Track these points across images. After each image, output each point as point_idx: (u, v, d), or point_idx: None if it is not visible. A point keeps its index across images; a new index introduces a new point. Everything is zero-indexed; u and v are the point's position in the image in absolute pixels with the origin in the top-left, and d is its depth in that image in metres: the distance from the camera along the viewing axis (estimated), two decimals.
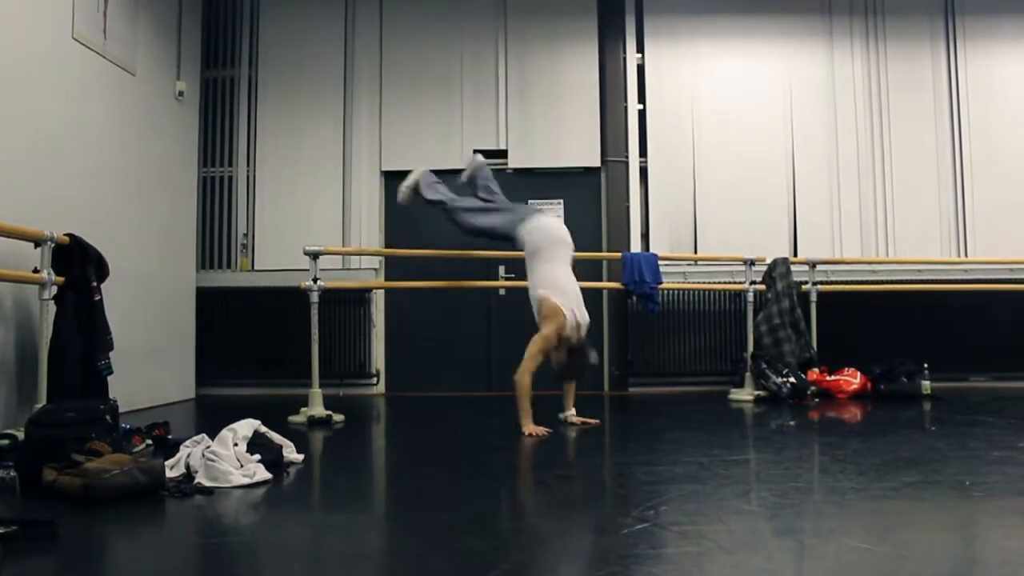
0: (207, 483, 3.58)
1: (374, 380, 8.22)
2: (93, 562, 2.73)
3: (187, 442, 3.97)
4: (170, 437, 4.43)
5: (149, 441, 4.18)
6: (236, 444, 3.84)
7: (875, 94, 8.59)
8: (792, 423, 5.86)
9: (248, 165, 8.40)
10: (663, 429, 5.70)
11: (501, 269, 8.20)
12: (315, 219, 8.26)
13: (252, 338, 7.98)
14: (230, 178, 8.40)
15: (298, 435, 4.99)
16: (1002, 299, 8.05)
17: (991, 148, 8.43)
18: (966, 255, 8.41)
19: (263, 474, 3.75)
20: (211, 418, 4.94)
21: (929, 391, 7.12)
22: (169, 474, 3.63)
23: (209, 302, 8.02)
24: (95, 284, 5.38)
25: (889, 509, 3.17)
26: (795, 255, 8.15)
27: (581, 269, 8.03)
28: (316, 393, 6.10)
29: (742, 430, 5.82)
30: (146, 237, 7.07)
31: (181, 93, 7.69)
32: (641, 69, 8.56)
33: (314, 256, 6.23)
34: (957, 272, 8.27)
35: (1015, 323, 8.11)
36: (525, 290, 7.92)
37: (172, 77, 7.61)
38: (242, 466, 3.74)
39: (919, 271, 8.18)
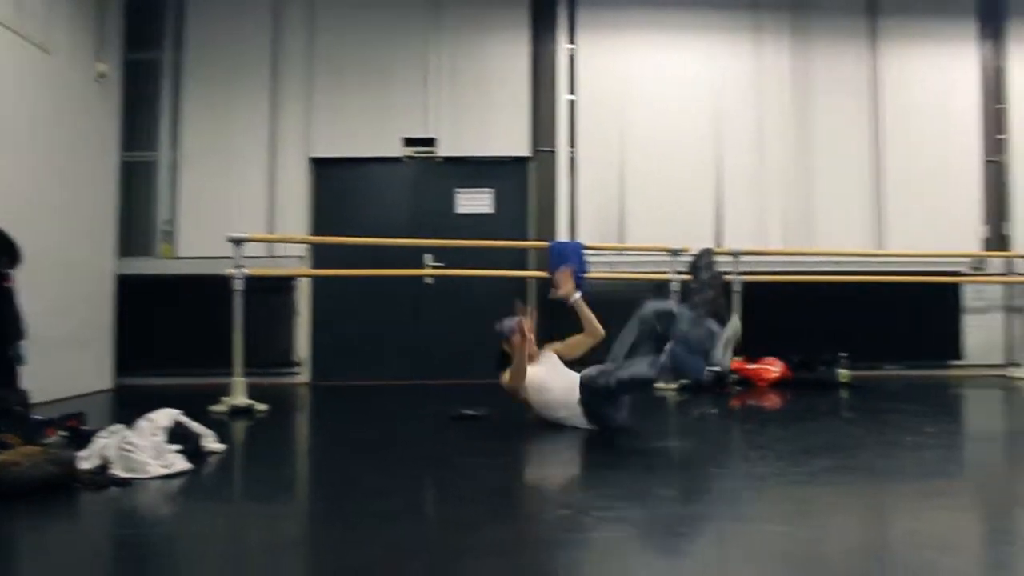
0: (123, 474, 3.50)
1: (298, 369, 8.13)
2: (0, 559, 2.65)
3: (102, 433, 3.87)
4: (85, 428, 4.31)
5: (63, 432, 4.08)
6: (154, 434, 3.76)
7: (800, 90, 8.76)
8: (714, 411, 5.96)
9: (172, 150, 8.20)
10: None
11: (428, 258, 8.16)
12: (240, 206, 8.10)
13: (174, 327, 7.80)
14: (152, 163, 8.20)
15: (220, 425, 4.92)
16: (917, 291, 8.31)
17: (909, 145, 8.66)
18: (884, 248, 8.65)
19: (182, 464, 3.68)
20: (130, 408, 4.83)
21: (846, 379, 7.33)
22: (83, 466, 3.54)
23: (129, 290, 7.81)
24: (6, 271, 5.21)
25: (806, 494, 3.25)
26: (720, 245, 8.28)
27: (507, 257, 8.09)
28: (239, 382, 6.01)
29: (665, 418, 5.90)
30: (62, 222, 6.86)
31: (102, 75, 7.46)
32: (573, 60, 8.58)
33: (238, 243, 6.13)
34: (875, 264, 8.50)
35: (928, 314, 8.42)
36: (452, 279, 7.95)
37: (92, 58, 7.38)
38: (160, 456, 3.66)
39: (839, 263, 8.38)
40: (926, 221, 8.55)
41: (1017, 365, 8.35)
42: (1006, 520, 3.04)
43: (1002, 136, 8.83)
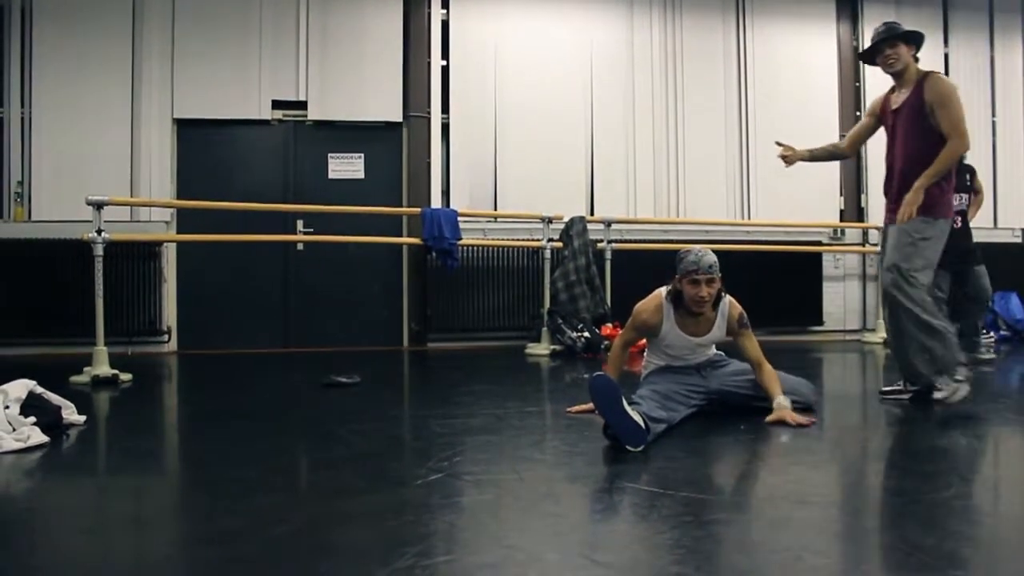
0: None
1: (165, 337, 7.88)
2: None
3: None
4: None
5: None
6: (7, 407, 3.60)
7: (670, 62, 8.96)
8: (586, 376, 6.06)
9: (22, 106, 7.75)
10: (460, 383, 5.79)
11: (299, 224, 8.02)
12: (100, 167, 7.74)
13: (29, 294, 7.40)
14: (1, 120, 7.74)
15: (81, 396, 4.74)
16: (780, 259, 8.70)
17: (773, 119, 8.98)
18: (749, 218, 8.98)
19: (39, 437, 3.54)
20: None
21: None
22: None
23: None
24: None
25: (671, 456, 3.36)
26: (592, 214, 8.44)
27: (380, 225, 8.05)
28: (101, 351, 5.78)
29: (537, 383, 6.01)
30: None
31: None
32: (445, 25, 8.52)
33: (98, 206, 5.87)
34: (740, 233, 8.83)
35: (791, 281, 8.83)
36: (324, 245, 7.85)
37: None
38: (14, 430, 3.52)
39: (707, 232, 8.66)
40: (789, 193, 8.91)
41: (871, 330, 8.82)
42: (858, 474, 3.23)
43: (859, 113, 9.25)
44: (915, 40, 4.62)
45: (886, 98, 4.74)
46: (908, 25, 4.71)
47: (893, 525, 2.46)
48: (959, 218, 6.44)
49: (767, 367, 4.17)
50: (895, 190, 4.61)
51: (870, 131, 4.99)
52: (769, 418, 3.95)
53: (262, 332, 8.05)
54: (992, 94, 9.69)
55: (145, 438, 4.04)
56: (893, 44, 4.55)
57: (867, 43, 4.84)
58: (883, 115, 4.75)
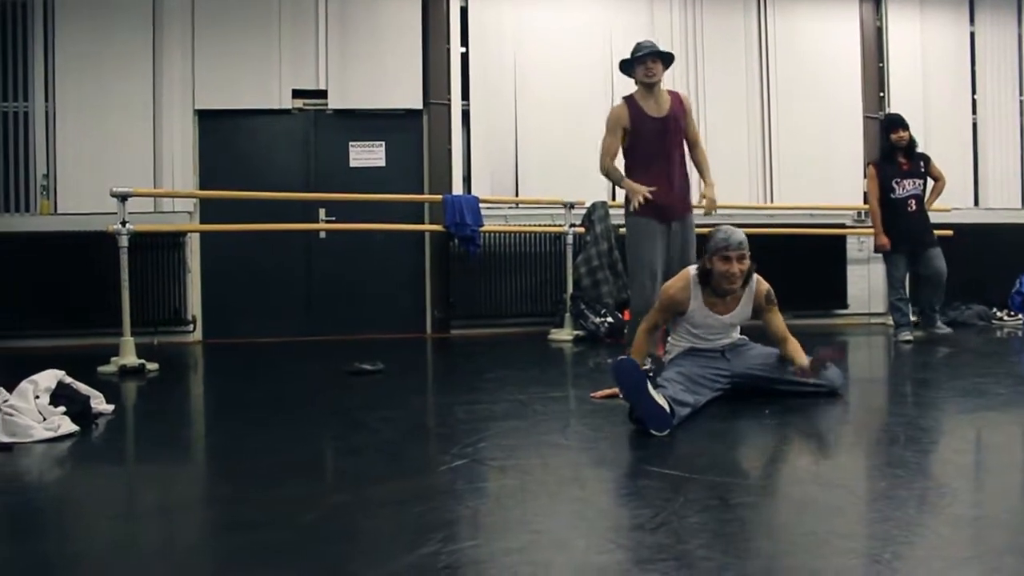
0: (5, 439, 3.39)
1: (190, 327, 7.94)
2: None
3: None
4: None
5: None
6: (38, 396, 3.64)
7: (691, 44, 8.89)
8: (609, 361, 6.06)
9: (46, 100, 7.81)
10: (484, 369, 5.80)
11: (321, 212, 8.05)
12: (124, 159, 7.79)
13: (56, 286, 7.47)
14: (25, 113, 7.80)
15: (108, 386, 4.79)
16: (804, 242, 8.63)
17: (795, 101, 8.91)
18: (772, 201, 8.91)
19: (69, 427, 3.58)
20: (10, 372, 4.65)
21: None
22: None
23: (6, 248, 7.45)
24: None
25: (696, 439, 3.36)
26: (613, 199, 8.39)
27: (402, 212, 8.06)
28: (127, 342, 5.84)
29: (561, 369, 6.01)
30: None
31: None
32: (464, 11, 8.49)
33: (122, 198, 5.92)
34: (763, 216, 8.76)
35: (815, 264, 8.74)
36: (347, 233, 7.87)
37: None
38: (45, 419, 3.56)
39: (730, 215, 8.55)
40: (812, 175, 8.83)
41: None
42: (884, 457, 3.21)
43: (883, 94, 9.17)
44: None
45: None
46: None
47: (920, 509, 2.44)
48: (913, 202, 6.91)
49: (792, 341, 4.19)
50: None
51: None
52: (792, 368, 4.05)
53: (286, 320, 8.09)
54: (1020, 72, 9.53)
55: (172, 426, 4.08)
56: (655, 60, 5.01)
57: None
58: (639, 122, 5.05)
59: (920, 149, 7.12)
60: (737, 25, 8.99)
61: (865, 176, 8.86)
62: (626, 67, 5.14)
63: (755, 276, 4.21)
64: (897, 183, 6.90)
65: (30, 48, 7.79)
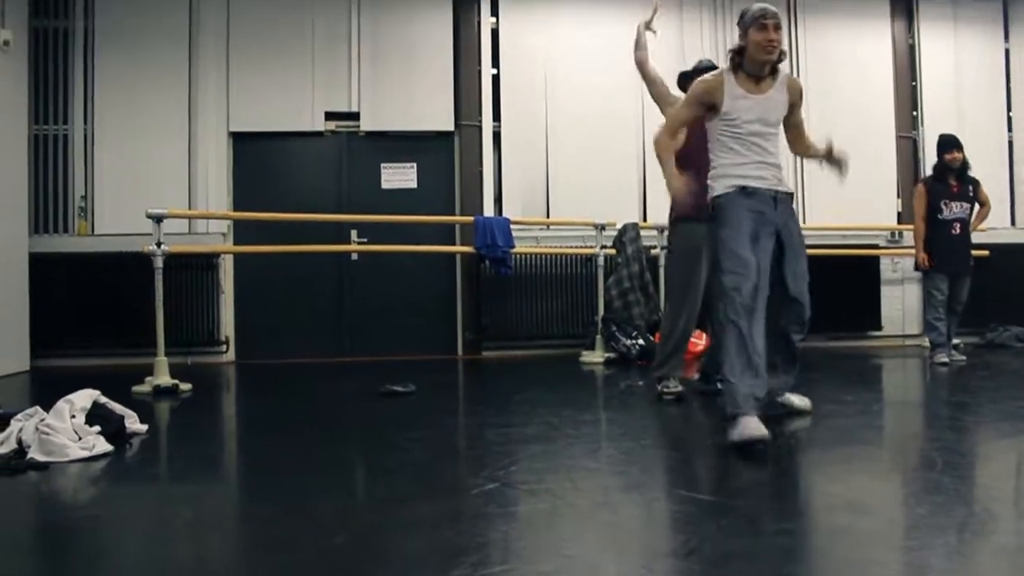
0: (41, 458, 3.42)
1: (224, 347, 8.00)
2: None
3: (19, 416, 3.77)
4: (0, 411, 4.20)
5: None
6: (73, 416, 3.68)
7: (722, 64, 8.84)
8: (640, 383, 6.05)
9: (85, 123, 7.95)
10: (515, 391, 5.79)
11: (353, 233, 8.10)
12: (159, 181, 7.90)
13: (92, 306, 7.58)
14: (65, 136, 7.94)
15: (142, 405, 4.83)
16: (837, 263, 8.54)
17: (827, 120, 8.79)
18: (805, 221, 8.83)
19: (103, 446, 3.62)
20: (47, 391, 4.70)
21: None
22: None
23: (44, 269, 7.58)
24: None
25: (729, 463, 3.33)
26: (645, 220, 8.38)
27: (434, 233, 8.09)
28: (161, 362, 5.90)
29: (592, 391, 5.98)
30: None
31: (6, 43, 7.17)
32: (495, 33, 8.55)
33: (158, 220, 5.99)
34: None
35: (849, 285, 8.64)
36: (378, 255, 7.91)
37: None
38: (80, 439, 3.59)
39: None
40: (845, 195, 8.71)
41: None
42: (921, 482, 3.16)
43: (916, 112, 9.10)
44: None
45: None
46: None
47: (960, 537, 2.40)
48: (958, 225, 6.89)
49: (806, 139, 4.48)
50: None
51: None
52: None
53: (318, 341, 8.13)
54: None
55: (205, 446, 4.11)
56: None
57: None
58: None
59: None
60: None
61: (899, 195, 8.82)
62: (684, 79, 5.11)
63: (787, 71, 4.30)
64: (946, 204, 6.85)
65: (71, 73, 7.94)
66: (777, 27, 3.96)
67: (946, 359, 6.71)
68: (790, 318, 4.18)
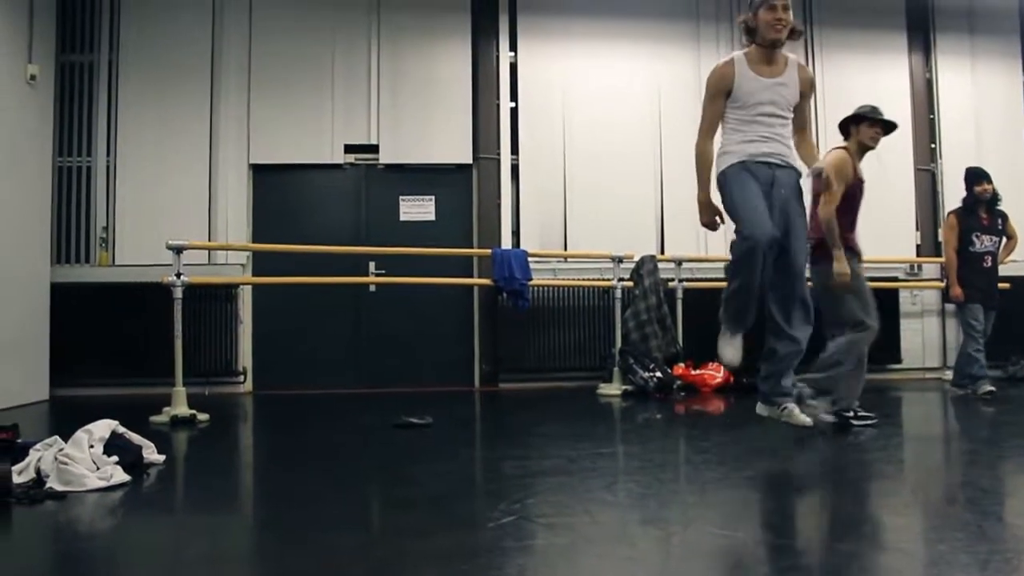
0: (60, 487, 3.43)
1: (241, 378, 8.02)
2: None
3: (38, 445, 3.78)
4: (19, 441, 4.19)
5: None
6: (92, 446, 3.69)
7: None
8: (658, 416, 6.02)
9: (108, 155, 8.04)
10: (533, 424, 5.77)
11: (371, 265, 8.13)
12: (179, 212, 7.98)
13: (112, 336, 7.63)
14: (88, 168, 8.03)
15: (160, 436, 4.83)
16: None
17: None
18: None
19: (121, 476, 3.62)
20: (66, 420, 4.72)
21: None
22: (17, 480, 3.46)
23: (65, 298, 7.65)
24: None
25: (746, 497, 3.30)
26: (662, 252, 8.37)
27: (451, 266, 8.11)
28: (179, 392, 5.91)
29: (610, 424, 5.95)
30: None
31: (33, 77, 7.29)
32: (514, 67, 8.62)
33: (178, 251, 6.04)
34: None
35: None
36: (396, 286, 7.93)
37: (23, 60, 7.22)
38: (98, 468, 3.60)
39: None
40: (863, 227, 8.71)
41: (952, 368, 8.55)
42: (942, 518, 3.12)
43: (934, 145, 9.08)
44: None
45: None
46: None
47: (983, 574, 2.36)
48: (989, 258, 6.90)
49: (809, 139, 4.51)
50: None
51: None
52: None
53: (335, 372, 8.14)
54: None
55: (222, 477, 4.11)
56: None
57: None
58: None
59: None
60: None
61: (917, 227, 8.78)
62: (845, 124, 5.31)
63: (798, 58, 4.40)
64: (977, 237, 6.83)
65: (95, 106, 8.05)
66: (786, 7, 4.11)
67: (992, 388, 6.63)
68: (791, 308, 4.53)
